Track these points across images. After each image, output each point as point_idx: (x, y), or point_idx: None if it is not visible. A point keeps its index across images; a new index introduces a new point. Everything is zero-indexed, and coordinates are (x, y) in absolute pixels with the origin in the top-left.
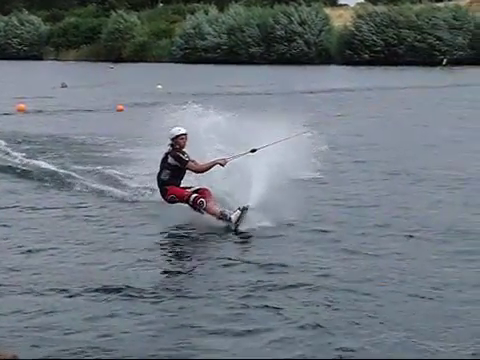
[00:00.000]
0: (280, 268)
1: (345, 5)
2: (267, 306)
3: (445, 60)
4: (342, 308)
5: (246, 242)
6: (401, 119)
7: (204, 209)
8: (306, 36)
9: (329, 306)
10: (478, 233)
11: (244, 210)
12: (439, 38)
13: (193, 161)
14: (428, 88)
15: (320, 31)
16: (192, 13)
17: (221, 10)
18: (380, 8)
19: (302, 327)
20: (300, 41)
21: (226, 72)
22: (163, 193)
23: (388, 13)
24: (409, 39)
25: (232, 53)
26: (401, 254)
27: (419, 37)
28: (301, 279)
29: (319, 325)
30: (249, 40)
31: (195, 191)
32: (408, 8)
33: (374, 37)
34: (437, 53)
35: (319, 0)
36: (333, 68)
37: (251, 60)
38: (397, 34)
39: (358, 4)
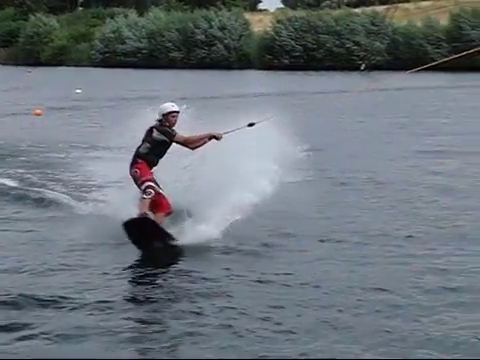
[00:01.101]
0: (195, 276)
1: (265, 10)
2: (191, 312)
3: (363, 65)
4: (254, 312)
5: (170, 251)
6: (319, 124)
7: (143, 198)
8: (226, 41)
9: (242, 311)
10: (393, 236)
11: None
12: (357, 43)
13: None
14: (346, 93)
15: (240, 36)
16: (112, 17)
17: (141, 14)
18: (299, 13)
19: (217, 331)
20: (220, 46)
21: (145, 77)
22: (132, 164)
23: (307, 18)
24: (328, 44)
25: (152, 57)
26: (314, 258)
27: (338, 42)
28: (213, 287)
29: (231, 326)
30: (169, 44)
31: (157, 193)
32: (326, 13)
33: (293, 42)
34: (355, 58)
35: (239, 5)
36: (252, 73)
37: (172, 65)
38: (316, 39)
39: (278, 9)
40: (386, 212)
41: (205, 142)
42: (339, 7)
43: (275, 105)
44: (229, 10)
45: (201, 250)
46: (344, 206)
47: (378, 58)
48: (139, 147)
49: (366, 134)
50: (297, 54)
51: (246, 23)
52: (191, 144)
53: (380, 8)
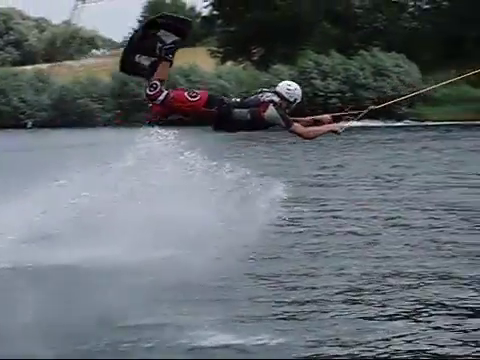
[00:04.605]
0: None
1: None
2: None
3: (30, 123)
4: None
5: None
6: None
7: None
8: None
9: None
10: None
11: None
12: (23, 100)
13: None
14: (16, 152)
15: None
16: None
17: None
18: None
19: None
20: None
21: None
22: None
23: None
24: None
25: None
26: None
27: (4, 100)
28: None
29: None
30: None
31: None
32: None
33: None
34: (22, 116)
35: None
36: None
37: None
38: None
39: None
40: None
41: (321, 135)
42: (2, 65)
43: None
44: None
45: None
46: None
47: (44, 115)
48: (232, 104)
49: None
50: None
51: None
52: (308, 136)
53: (45, 66)
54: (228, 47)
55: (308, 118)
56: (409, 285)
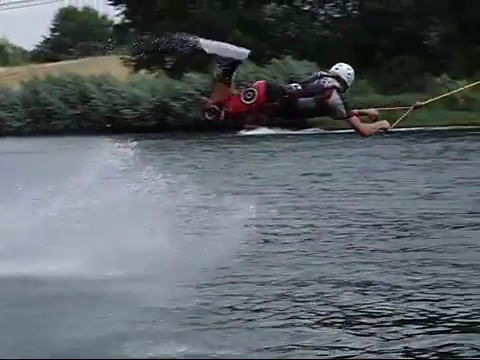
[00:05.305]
0: None
1: None
2: None
3: None
4: None
5: None
6: None
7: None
8: None
9: None
10: None
11: None
12: None
13: None
14: None
15: None
16: None
17: None
18: None
19: None
20: None
21: None
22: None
23: None
24: None
25: None
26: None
27: None
28: None
29: None
30: None
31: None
32: None
33: None
34: None
35: None
36: None
37: None
38: None
39: None
40: None
41: (373, 132)
42: None
43: None
44: None
45: None
46: None
47: None
48: (295, 94)
49: None
50: None
51: None
52: (364, 131)
53: None
54: (141, 56)
55: (355, 111)
56: (319, 292)
